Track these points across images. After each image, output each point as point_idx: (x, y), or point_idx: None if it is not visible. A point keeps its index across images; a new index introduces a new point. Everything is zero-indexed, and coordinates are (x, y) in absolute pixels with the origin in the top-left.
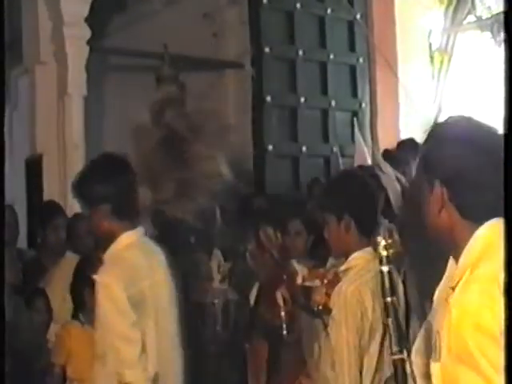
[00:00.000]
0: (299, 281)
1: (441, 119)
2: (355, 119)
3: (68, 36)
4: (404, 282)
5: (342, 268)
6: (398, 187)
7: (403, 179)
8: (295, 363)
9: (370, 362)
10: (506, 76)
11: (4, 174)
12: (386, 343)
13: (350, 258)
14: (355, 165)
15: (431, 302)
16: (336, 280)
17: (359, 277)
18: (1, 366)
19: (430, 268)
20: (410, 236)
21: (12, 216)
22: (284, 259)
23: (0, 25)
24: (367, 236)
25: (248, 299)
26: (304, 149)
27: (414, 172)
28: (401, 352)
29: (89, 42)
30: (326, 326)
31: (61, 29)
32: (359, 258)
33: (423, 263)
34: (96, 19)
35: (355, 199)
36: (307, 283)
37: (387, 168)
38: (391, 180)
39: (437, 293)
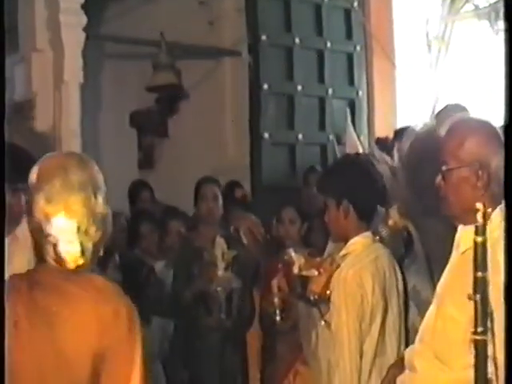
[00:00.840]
0: (296, 270)
1: (438, 107)
2: (347, 109)
3: (64, 23)
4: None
5: (341, 253)
6: (389, 172)
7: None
8: (291, 351)
9: (371, 346)
10: (506, 73)
11: (4, 166)
12: (387, 327)
13: (348, 243)
14: None
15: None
16: (333, 268)
17: (358, 261)
18: (1, 365)
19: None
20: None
21: None
22: (279, 247)
23: (0, 27)
24: (366, 221)
25: (251, 287)
26: (300, 136)
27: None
28: (484, 333)
29: (85, 30)
30: (322, 315)
31: (57, 16)
32: (358, 243)
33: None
34: (93, 6)
35: (355, 184)
36: (304, 273)
37: (382, 156)
38: (385, 168)
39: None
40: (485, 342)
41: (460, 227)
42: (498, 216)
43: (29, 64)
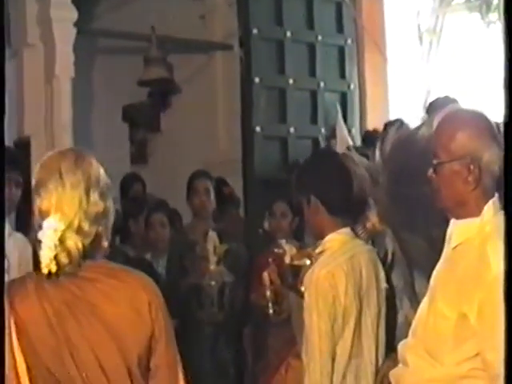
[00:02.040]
0: (287, 260)
1: (430, 100)
2: (338, 105)
3: (55, 18)
4: (391, 265)
5: (318, 250)
6: (367, 175)
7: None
8: (284, 344)
9: (344, 348)
10: (505, 69)
11: (4, 167)
12: (363, 328)
13: (324, 240)
14: (337, 149)
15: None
16: None
17: (333, 260)
18: (1, 365)
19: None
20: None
21: None
22: (270, 241)
23: (0, 27)
24: (340, 217)
25: (243, 281)
26: (292, 130)
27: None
28: None
29: (76, 24)
30: None
31: (48, 11)
32: (334, 240)
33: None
34: (83, 1)
35: (321, 180)
36: (296, 262)
37: (360, 159)
38: (360, 168)
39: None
40: None
41: (452, 221)
42: (490, 210)
43: (20, 59)
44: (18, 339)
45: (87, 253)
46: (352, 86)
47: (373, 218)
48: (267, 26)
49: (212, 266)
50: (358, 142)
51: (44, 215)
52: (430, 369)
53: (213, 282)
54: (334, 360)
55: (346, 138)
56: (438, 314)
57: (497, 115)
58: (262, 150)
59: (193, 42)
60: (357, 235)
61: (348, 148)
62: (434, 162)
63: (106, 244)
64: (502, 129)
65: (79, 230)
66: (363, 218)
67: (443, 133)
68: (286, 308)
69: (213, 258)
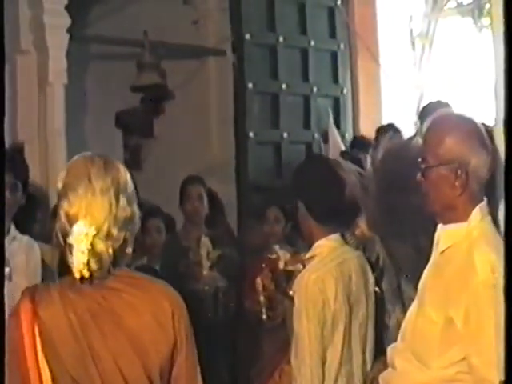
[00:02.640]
0: (281, 265)
1: (423, 104)
2: (330, 110)
3: (48, 24)
4: (382, 270)
5: (308, 256)
6: (357, 182)
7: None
8: (279, 349)
9: (334, 353)
10: (505, 71)
11: (4, 167)
12: (352, 333)
13: (314, 246)
14: (330, 154)
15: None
16: None
17: (322, 265)
18: (1, 365)
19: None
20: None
21: None
22: (263, 246)
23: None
24: (327, 224)
25: (236, 286)
26: (285, 135)
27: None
28: None
29: (69, 31)
30: None
31: (41, 17)
32: (324, 246)
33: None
34: (77, 7)
35: (309, 187)
36: (289, 267)
37: (348, 165)
38: (350, 175)
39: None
40: None
41: (439, 226)
42: (477, 215)
43: (13, 65)
44: (43, 347)
45: (115, 259)
46: (345, 91)
47: (362, 225)
48: (260, 32)
49: (205, 271)
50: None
51: (72, 220)
52: (417, 372)
53: (206, 287)
54: (324, 365)
55: (339, 143)
56: (425, 318)
57: (488, 119)
58: (256, 155)
59: (186, 48)
60: (346, 241)
61: (342, 153)
62: (422, 166)
63: (130, 250)
64: (492, 133)
65: (109, 236)
66: (353, 224)
67: (431, 137)
68: (279, 313)
69: (206, 264)
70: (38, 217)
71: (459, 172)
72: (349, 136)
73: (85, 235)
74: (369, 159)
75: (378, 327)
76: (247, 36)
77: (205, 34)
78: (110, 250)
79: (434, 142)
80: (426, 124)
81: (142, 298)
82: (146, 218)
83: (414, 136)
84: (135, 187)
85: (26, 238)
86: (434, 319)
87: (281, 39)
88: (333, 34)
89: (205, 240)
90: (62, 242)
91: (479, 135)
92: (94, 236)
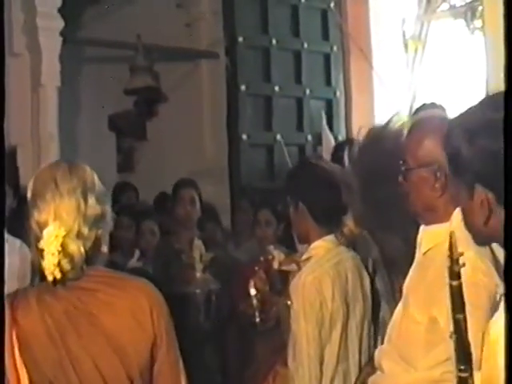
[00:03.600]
0: (276, 265)
1: (415, 106)
2: (323, 112)
3: (41, 27)
4: (374, 271)
5: (304, 257)
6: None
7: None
8: (271, 351)
9: (332, 353)
10: (505, 71)
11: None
12: (349, 333)
13: (310, 247)
14: (324, 156)
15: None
16: None
17: (319, 266)
18: (1, 365)
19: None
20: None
21: None
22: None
23: (0, 27)
24: (325, 225)
25: (229, 289)
26: (278, 137)
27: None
28: (465, 371)
29: (62, 33)
30: None
31: (34, 20)
32: (320, 247)
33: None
34: (69, 10)
35: (310, 188)
36: (284, 267)
37: (330, 165)
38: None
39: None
40: (466, 380)
41: (422, 227)
42: (458, 215)
43: (6, 68)
44: (21, 353)
45: (88, 258)
46: (338, 93)
47: (349, 223)
48: (253, 34)
49: (198, 274)
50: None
51: (42, 226)
52: (404, 374)
53: (198, 290)
54: (322, 364)
55: (332, 145)
56: (409, 320)
57: None
58: (248, 157)
59: (179, 51)
60: (340, 242)
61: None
62: (403, 168)
63: (105, 249)
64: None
65: (79, 235)
66: (341, 223)
67: (412, 139)
68: (273, 316)
69: (199, 266)
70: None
71: (438, 174)
72: (342, 138)
73: (55, 237)
74: (345, 156)
75: (373, 326)
76: (240, 39)
77: (198, 37)
78: (82, 250)
79: (414, 145)
80: (407, 125)
81: (119, 297)
82: (140, 220)
83: (387, 124)
84: (134, 187)
85: (18, 242)
86: (418, 320)
87: (274, 42)
88: (326, 36)
89: (197, 243)
90: (35, 249)
91: None
92: (64, 236)
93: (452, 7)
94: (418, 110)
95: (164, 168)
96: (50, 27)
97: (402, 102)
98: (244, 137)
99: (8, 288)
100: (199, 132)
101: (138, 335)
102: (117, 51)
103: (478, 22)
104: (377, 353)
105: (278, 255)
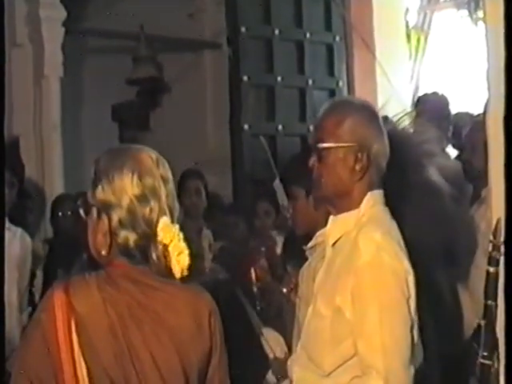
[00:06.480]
0: (279, 250)
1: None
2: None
3: (44, 18)
4: None
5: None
6: None
7: None
8: None
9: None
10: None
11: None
12: None
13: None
14: None
15: None
16: None
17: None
18: (1, 365)
19: None
20: None
21: None
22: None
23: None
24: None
25: (232, 278)
26: (281, 128)
27: None
28: (489, 358)
29: (65, 24)
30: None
31: (37, 11)
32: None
33: None
34: (72, 1)
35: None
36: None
37: None
38: None
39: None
40: (489, 367)
41: (330, 219)
42: (369, 202)
43: (9, 59)
44: (80, 342)
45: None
46: (340, 84)
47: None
48: (255, 25)
49: (207, 264)
50: None
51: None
52: (312, 377)
53: (208, 280)
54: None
55: None
56: (316, 316)
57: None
58: (251, 147)
59: (181, 41)
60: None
61: None
62: (319, 146)
63: None
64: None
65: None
66: None
67: (330, 119)
68: (275, 304)
69: (208, 256)
70: (32, 210)
71: (359, 155)
72: None
73: (177, 235)
74: None
75: None
76: (243, 29)
77: (200, 28)
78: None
79: (333, 123)
80: (322, 108)
81: (180, 298)
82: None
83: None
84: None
85: (20, 230)
86: (324, 313)
87: (276, 32)
88: (328, 26)
89: (206, 232)
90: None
91: (379, 123)
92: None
93: None
94: (419, 99)
95: (167, 158)
96: (53, 18)
97: (404, 92)
98: (246, 127)
99: (8, 275)
100: (202, 122)
101: (198, 338)
102: (120, 41)
103: (481, 13)
104: (289, 362)
105: (280, 240)
